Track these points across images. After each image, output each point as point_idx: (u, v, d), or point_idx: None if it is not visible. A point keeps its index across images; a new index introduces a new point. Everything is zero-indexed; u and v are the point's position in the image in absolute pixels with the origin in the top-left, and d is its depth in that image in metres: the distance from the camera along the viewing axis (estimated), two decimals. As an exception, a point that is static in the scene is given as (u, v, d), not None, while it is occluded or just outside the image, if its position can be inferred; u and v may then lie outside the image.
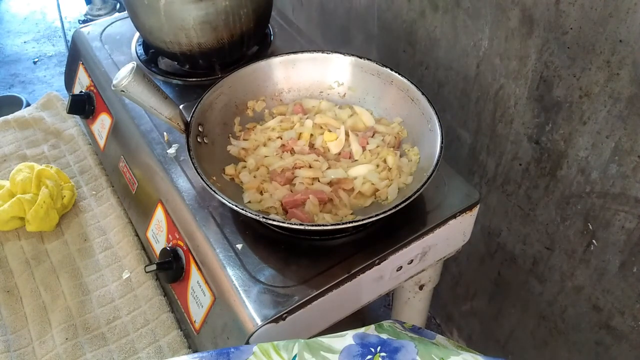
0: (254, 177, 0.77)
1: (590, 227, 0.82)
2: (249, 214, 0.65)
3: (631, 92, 0.67)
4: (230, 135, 0.82)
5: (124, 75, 0.69)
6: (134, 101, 0.71)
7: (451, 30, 0.90)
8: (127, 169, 0.91)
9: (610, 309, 0.86)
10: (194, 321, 0.73)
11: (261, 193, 0.75)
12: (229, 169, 0.78)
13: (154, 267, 0.74)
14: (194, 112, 0.75)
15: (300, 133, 0.82)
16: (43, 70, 2.42)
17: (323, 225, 0.67)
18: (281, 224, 0.65)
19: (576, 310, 0.93)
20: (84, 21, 2.34)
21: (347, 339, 0.45)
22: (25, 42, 2.60)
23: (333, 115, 0.84)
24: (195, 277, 0.72)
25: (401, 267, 0.75)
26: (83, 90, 1.04)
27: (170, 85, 0.96)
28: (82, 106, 1.02)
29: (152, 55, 1.01)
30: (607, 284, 0.84)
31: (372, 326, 0.52)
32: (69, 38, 1.68)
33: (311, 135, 0.81)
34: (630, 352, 0.87)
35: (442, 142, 0.71)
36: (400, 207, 0.64)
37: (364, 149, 0.80)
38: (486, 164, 0.98)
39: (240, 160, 0.80)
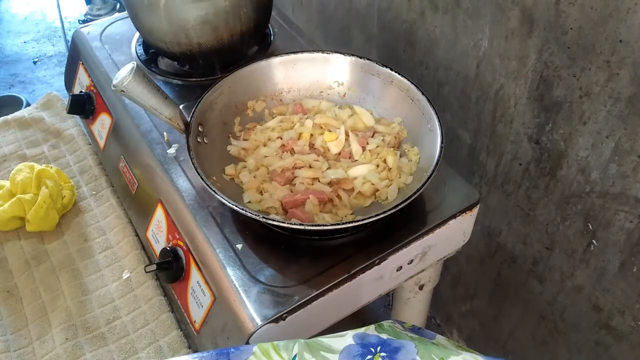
0: (254, 177, 0.77)
1: (590, 227, 0.82)
2: (249, 214, 0.65)
3: (631, 92, 0.67)
4: (230, 135, 0.82)
5: (124, 75, 0.69)
6: (134, 101, 0.71)
7: (451, 30, 0.90)
8: (127, 169, 0.91)
9: (610, 309, 0.86)
10: (194, 321, 0.73)
11: (261, 193, 0.75)
12: (229, 169, 0.78)
13: (154, 267, 0.74)
14: (194, 112, 0.75)
15: (300, 133, 0.82)
16: (43, 70, 2.42)
17: (323, 225, 0.67)
18: (281, 224, 0.65)
19: (576, 310, 0.93)
20: (84, 21, 2.34)
21: (347, 339, 0.45)
22: (25, 42, 2.60)
23: (333, 115, 0.84)
24: (195, 277, 0.72)
25: (401, 267, 0.75)
26: (83, 90, 1.04)
27: (170, 85, 0.96)
28: (82, 106, 1.02)
29: (152, 55, 1.01)
30: (607, 284, 0.84)
31: (372, 326, 0.52)
32: (69, 38, 1.68)
33: (311, 135, 0.81)
34: (630, 352, 0.87)
35: (442, 142, 0.71)
36: (400, 207, 0.65)
37: (364, 149, 0.80)
38: (486, 164, 0.98)
39: (240, 160, 0.80)
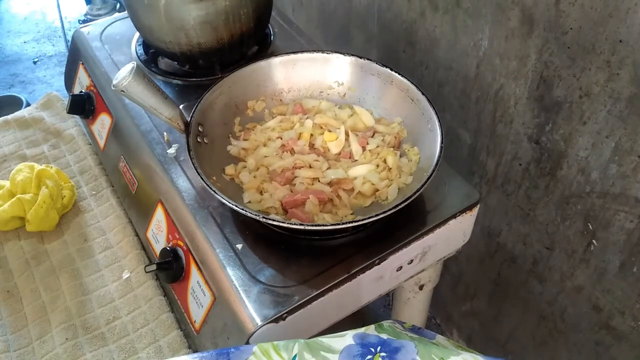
0: (254, 177, 0.77)
1: (590, 227, 0.82)
2: (249, 214, 0.65)
3: (631, 92, 0.67)
4: (230, 135, 0.82)
5: (124, 75, 0.69)
6: (134, 101, 0.71)
7: (451, 30, 0.90)
8: (127, 169, 0.91)
9: (610, 309, 0.86)
10: (194, 321, 0.73)
11: (261, 193, 0.75)
12: (229, 169, 0.78)
13: (154, 267, 0.74)
14: (194, 112, 0.75)
15: (300, 133, 0.82)
16: (43, 70, 2.42)
17: (323, 225, 0.67)
18: (281, 224, 0.65)
19: (576, 310, 0.93)
20: (84, 21, 2.34)
21: (347, 339, 0.45)
22: (25, 42, 2.60)
23: (333, 115, 0.84)
24: (195, 277, 0.72)
25: (401, 267, 0.75)
26: (83, 90, 1.04)
27: (170, 85, 0.96)
28: (82, 106, 1.02)
29: (152, 55, 1.01)
30: (607, 284, 0.84)
31: (372, 326, 0.52)
32: (69, 38, 1.68)
33: (311, 135, 0.81)
34: (630, 352, 0.87)
35: (442, 142, 0.71)
36: (400, 207, 0.64)
37: (364, 149, 0.80)
38: (486, 164, 0.98)
39: (240, 160, 0.80)
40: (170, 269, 0.75)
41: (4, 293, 0.87)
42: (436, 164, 0.68)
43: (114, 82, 0.69)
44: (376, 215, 0.64)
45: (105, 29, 1.08)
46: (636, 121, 0.68)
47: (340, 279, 0.68)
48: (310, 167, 0.77)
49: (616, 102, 0.69)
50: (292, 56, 0.85)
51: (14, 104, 1.88)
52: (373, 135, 0.82)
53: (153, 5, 0.86)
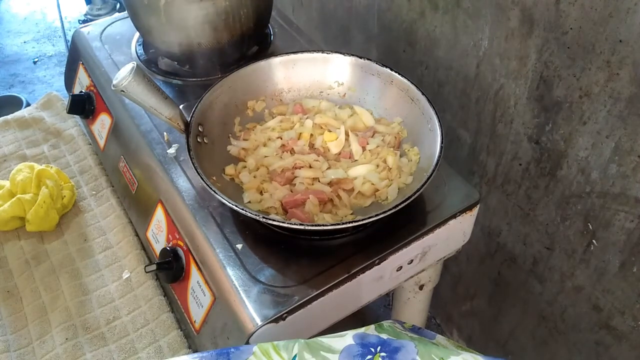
0: (254, 177, 0.77)
1: (590, 227, 0.82)
2: (249, 214, 0.65)
3: (631, 92, 0.67)
4: (230, 135, 0.82)
5: (124, 75, 0.69)
6: (134, 101, 0.71)
7: (451, 30, 0.90)
8: (127, 169, 0.91)
9: (610, 309, 0.86)
10: (194, 321, 0.73)
11: (261, 193, 0.75)
12: (229, 169, 0.78)
13: (154, 267, 0.74)
14: (194, 112, 0.75)
15: (300, 133, 0.82)
16: (43, 70, 2.42)
17: (323, 225, 0.67)
18: (281, 224, 0.65)
19: (576, 310, 0.93)
20: (84, 21, 2.34)
21: (347, 339, 0.45)
22: (25, 42, 2.60)
23: (333, 115, 0.84)
24: (195, 277, 0.72)
25: (401, 267, 0.75)
26: (83, 90, 1.04)
27: (170, 85, 0.96)
28: (82, 106, 1.02)
29: (152, 55, 1.01)
30: (607, 284, 0.84)
31: (372, 326, 0.52)
32: (69, 38, 1.68)
33: (311, 135, 0.81)
34: (630, 352, 0.87)
35: (442, 142, 0.71)
36: (400, 207, 0.65)
37: (364, 149, 0.80)
38: (486, 164, 0.98)
39: (240, 160, 0.80)
40: (170, 269, 0.75)
41: (4, 293, 0.87)
42: (436, 164, 0.68)
43: (114, 82, 0.69)
44: (376, 215, 0.64)
45: (105, 29, 1.08)
46: (636, 121, 0.68)
47: (340, 279, 0.68)
48: (310, 167, 0.77)
49: (616, 102, 0.69)
50: (292, 56, 0.85)
51: (14, 104, 1.88)
52: (373, 135, 0.82)
53: (153, 5, 0.86)
